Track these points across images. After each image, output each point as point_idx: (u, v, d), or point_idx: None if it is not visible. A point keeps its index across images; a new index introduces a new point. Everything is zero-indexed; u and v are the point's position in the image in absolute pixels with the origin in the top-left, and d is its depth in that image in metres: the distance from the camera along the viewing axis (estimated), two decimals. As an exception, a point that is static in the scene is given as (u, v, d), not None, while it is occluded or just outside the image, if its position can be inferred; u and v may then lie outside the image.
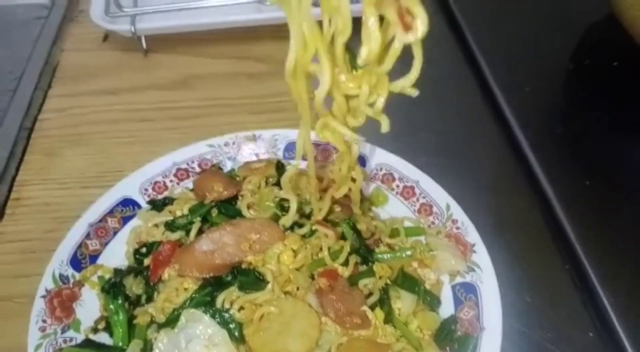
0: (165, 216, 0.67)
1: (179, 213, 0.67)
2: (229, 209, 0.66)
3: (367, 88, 0.46)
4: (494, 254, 0.65)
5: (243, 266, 0.60)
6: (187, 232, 0.64)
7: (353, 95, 0.47)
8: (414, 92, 0.44)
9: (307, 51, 0.44)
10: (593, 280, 0.66)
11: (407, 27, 0.39)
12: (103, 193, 0.71)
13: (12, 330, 0.64)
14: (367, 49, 0.40)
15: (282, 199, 0.67)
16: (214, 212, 0.66)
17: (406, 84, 0.44)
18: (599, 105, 0.89)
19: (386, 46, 0.42)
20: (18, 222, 0.77)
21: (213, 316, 0.56)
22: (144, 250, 0.65)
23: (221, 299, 0.57)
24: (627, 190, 0.77)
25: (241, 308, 0.57)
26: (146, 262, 0.63)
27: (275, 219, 0.63)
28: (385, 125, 0.48)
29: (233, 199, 0.68)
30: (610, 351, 0.62)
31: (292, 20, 0.43)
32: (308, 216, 0.66)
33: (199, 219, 0.65)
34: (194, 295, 0.58)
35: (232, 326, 0.56)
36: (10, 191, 0.81)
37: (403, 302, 0.60)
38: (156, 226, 0.66)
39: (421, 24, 0.39)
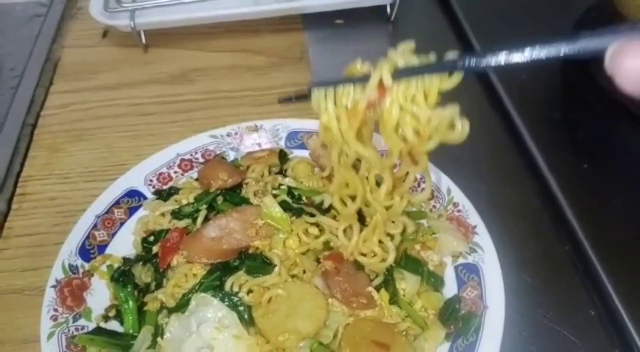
0: (171, 205, 0.68)
1: (184, 202, 0.68)
2: (234, 196, 0.68)
3: (398, 198, 0.57)
4: (495, 237, 0.66)
5: (250, 251, 0.62)
6: (194, 220, 0.65)
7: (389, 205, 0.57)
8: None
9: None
10: (593, 260, 0.68)
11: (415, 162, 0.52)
12: (107, 186, 0.72)
13: (24, 322, 0.66)
14: (385, 187, 0.55)
15: (291, 187, 0.68)
16: (220, 199, 0.67)
17: (423, 198, 0.62)
18: (595, 89, 0.90)
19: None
20: (25, 217, 0.78)
21: (222, 300, 0.57)
22: (151, 238, 0.66)
23: (230, 283, 0.58)
24: (624, 172, 0.78)
25: (250, 291, 0.58)
26: (154, 250, 0.64)
27: (284, 206, 0.65)
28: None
29: (237, 187, 0.69)
30: (610, 329, 0.64)
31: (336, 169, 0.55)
32: (317, 207, 0.66)
33: (205, 206, 0.66)
34: (202, 280, 0.59)
35: (241, 308, 0.57)
36: (15, 186, 0.81)
37: (407, 283, 0.61)
38: (163, 214, 0.67)
39: (422, 162, 0.52)
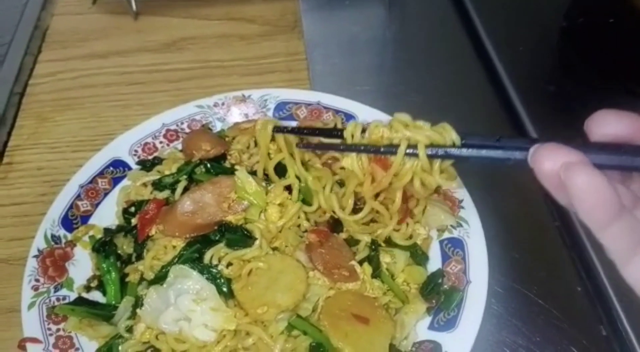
0: (154, 175, 0.67)
1: (167, 172, 0.67)
2: (216, 167, 0.66)
3: None
4: (483, 212, 0.65)
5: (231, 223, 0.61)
6: (174, 191, 0.64)
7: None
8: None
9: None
10: (581, 236, 0.67)
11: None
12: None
13: (8, 291, 0.66)
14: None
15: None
16: (199, 169, 0.66)
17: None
18: (592, 63, 0.88)
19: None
20: (11, 187, 0.77)
21: (201, 272, 0.56)
22: (132, 209, 0.65)
23: (209, 255, 0.58)
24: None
25: (229, 264, 0.57)
26: (134, 221, 0.63)
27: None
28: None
29: (221, 158, 0.68)
30: (597, 306, 0.63)
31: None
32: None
33: (185, 177, 0.65)
34: (182, 252, 0.58)
35: (220, 281, 0.56)
36: (2, 155, 0.81)
37: (397, 259, 0.61)
38: (144, 185, 0.67)
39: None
